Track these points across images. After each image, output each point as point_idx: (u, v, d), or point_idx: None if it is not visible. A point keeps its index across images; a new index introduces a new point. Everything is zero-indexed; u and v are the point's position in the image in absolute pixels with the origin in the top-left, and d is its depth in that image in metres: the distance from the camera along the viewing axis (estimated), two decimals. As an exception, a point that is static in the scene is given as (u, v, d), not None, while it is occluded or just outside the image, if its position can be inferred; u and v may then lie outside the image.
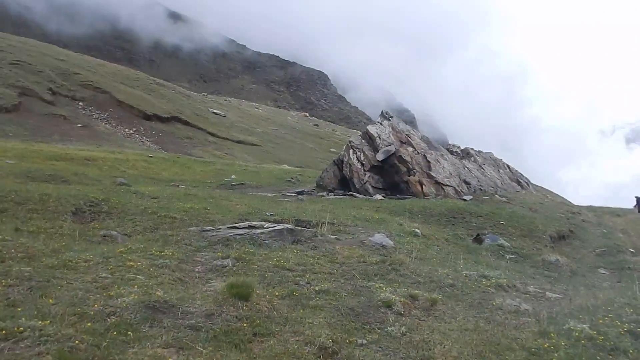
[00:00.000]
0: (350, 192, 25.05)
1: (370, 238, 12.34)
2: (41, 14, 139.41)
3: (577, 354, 6.10)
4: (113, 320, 5.41)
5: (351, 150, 26.80)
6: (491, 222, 20.08)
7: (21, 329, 4.74)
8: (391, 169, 25.90)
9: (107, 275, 6.99)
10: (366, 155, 26.34)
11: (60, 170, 22.30)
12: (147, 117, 53.69)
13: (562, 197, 46.99)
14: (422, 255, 11.69)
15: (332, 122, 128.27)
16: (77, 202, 13.23)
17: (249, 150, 57.01)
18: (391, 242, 12.42)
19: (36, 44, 66.69)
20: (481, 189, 27.58)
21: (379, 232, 13.53)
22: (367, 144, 27.14)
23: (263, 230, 10.74)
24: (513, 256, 15.66)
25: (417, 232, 15.62)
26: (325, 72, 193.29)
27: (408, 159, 25.83)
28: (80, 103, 50.56)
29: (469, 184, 27.30)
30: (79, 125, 44.91)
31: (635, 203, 31.91)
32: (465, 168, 29.43)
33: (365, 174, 25.67)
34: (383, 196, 24.25)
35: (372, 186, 25.27)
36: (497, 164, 35.27)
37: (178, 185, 23.64)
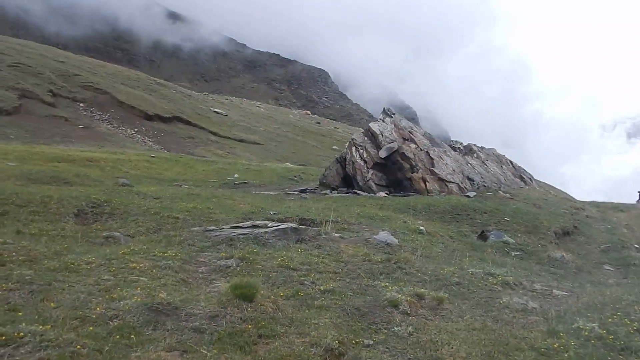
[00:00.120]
0: (354, 190, 24.93)
1: (374, 236, 12.24)
2: (40, 15, 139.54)
3: (587, 353, 5.99)
4: (115, 323, 5.31)
5: (354, 148, 26.67)
6: (495, 218, 19.94)
7: (21, 334, 4.64)
8: (394, 166, 25.77)
9: (110, 277, 6.89)
10: (369, 152, 26.21)
11: (61, 171, 22.22)
12: (149, 118, 53.64)
13: (565, 193, 46.78)
14: (427, 253, 11.58)
15: (333, 120, 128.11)
16: (79, 204, 13.15)
17: (251, 148, 56.92)
18: (396, 240, 12.32)
19: (35, 46, 66.66)
20: (485, 186, 27.44)
21: (383, 230, 13.42)
22: (369, 141, 27.00)
23: (267, 230, 10.64)
24: (518, 253, 15.54)
25: (421, 230, 15.50)
26: (325, 70, 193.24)
27: (411, 155, 25.69)
28: (81, 104, 50.51)
29: (473, 181, 27.16)
30: (81, 126, 44.86)
31: (638, 198, 31.73)
32: (469, 164, 29.29)
33: (369, 172, 25.55)
34: (386, 193, 24.12)
35: (376, 183, 25.14)
36: (500, 160, 35.14)
37: (181, 185, 23.55)
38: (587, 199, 34.21)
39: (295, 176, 32.38)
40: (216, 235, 10.33)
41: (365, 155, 26.12)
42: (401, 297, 7.42)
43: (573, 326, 6.88)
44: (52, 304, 5.68)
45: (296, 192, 23.78)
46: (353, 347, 5.72)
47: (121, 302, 5.83)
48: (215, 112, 69.11)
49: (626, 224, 24.62)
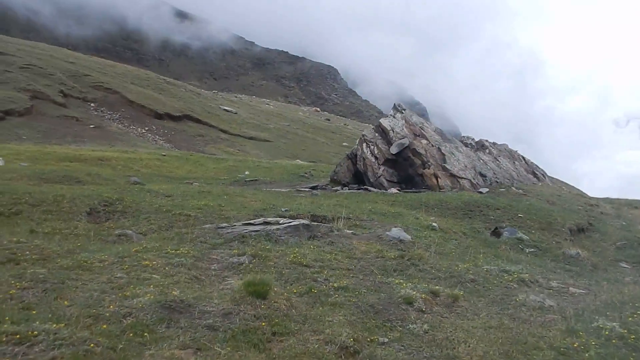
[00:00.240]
0: (365, 186, 24.81)
1: (387, 232, 12.13)
2: (49, 17, 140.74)
3: (608, 354, 5.83)
4: (129, 321, 5.28)
5: (364, 144, 26.54)
6: (509, 215, 19.72)
7: (35, 332, 4.62)
8: (405, 162, 25.61)
9: (123, 275, 6.87)
10: (380, 148, 26.07)
11: (73, 171, 22.34)
12: (159, 116, 53.87)
13: (578, 189, 46.26)
14: (440, 250, 11.46)
15: (343, 117, 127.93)
16: (91, 202, 13.19)
17: (261, 146, 56.96)
18: (409, 237, 12.20)
19: (45, 47, 67.19)
20: (497, 182, 27.18)
21: (395, 227, 13.31)
22: (380, 138, 26.85)
23: (279, 227, 10.58)
24: (532, 250, 15.35)
25: (434, 226, 15.37)
26: (334, 67, 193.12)
27: (422, 151, 25.51)
28: (92, 104, 50.84)
29: (485, 177, 26.91)
30: (92, 126, 45.15)
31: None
32: (481, 160, 29.01)
33: (380, 168, 25.41)
34: (398, 190, 23.99)
35: (387, 180, 25.00)
36: (512, 155, 34.76)
37: (192, 183, 23.59)
38: (601, 195, 33.84)
39: (305, 173, 32.32)
40: (228, 233, 10.29)
41: (376, 152, 25.99)
42: (416, 294, 7.32)
43: (593, 325, 6.73)
44: (65, 302, 5.66)
45: (307, 189, 23.73)
46: (368, 345, 5.64)
47: (134, 300, 5.80)
48: (224, 110, 69.23)
49: (642, 220, 24.25)
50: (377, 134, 27.25)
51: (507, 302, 7.94)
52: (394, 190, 23.89)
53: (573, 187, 48.94)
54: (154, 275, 6.96)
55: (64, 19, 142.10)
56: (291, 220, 11.27)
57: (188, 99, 66.72)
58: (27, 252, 7.93)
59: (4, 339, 4.52)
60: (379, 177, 25.13)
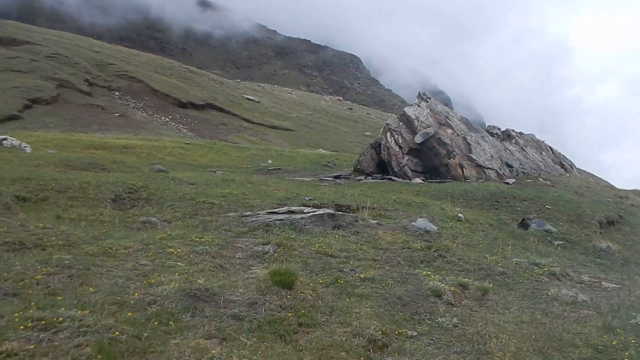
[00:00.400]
0: (389, 176, 24.53)
1: (412, 223, 11.90)
2: (74, 7, 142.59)
3: (650, 353, 5.56)
4: (154, 309, 5.20)
5: (389, 133, 26.22)
6: (536, 206, 19.28)
7: (60, 319, 4.57)
8: (430, 152, 25.22)
9: (147, 262, 6.82)
10: (404, 138, 25.71)
11: (99, 158, 22.58)
12: (182, 105, 54.21)
13: (606, 181, 45.12)
14: (467, 241, 11.19)
15: (365, 106, 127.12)
16: (116, 189, 13.26)
17: (283, 135, 56.93)
18: (435, 227, 11.96)
19: (71, 37, 68.09)
20: (524, 172, 26.61)
21: (421, 217, 13.06)
22: (404, 127, 26.48)
23: (303, 216, 10.44)
24: (561, 242, 14.96)
25: (460, 217, 15.07)
26: (357, 55, 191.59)
27: (447, 141, 25.08)
28: (117, 93, 51.40)
29: (511, 167, 26.36)
30: (116, 114, 45.66)
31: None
32: (507, 150, 28.43)
33: (404, 157, 25.08)
34: (422, 180, 23.65)
35: (411, 169, 24.67)
36: (539, 146, 34.00)
37: (215, 171, 23.64)
38: (629, 187, 32.92)
39: (328, 162, 32.16)
40: (252, 221, 10.19)
41: (400, 141, 25.65)
42: (444, 286, 7.11)
43: (630, 322, 6.44)
44: (90, 289, 5.62)
45: (330, 178, 23.56)
46: (396, 338, 5.47)
47: (159, 288, 5.73)
48: (247, 99, 69.32)
49: (674, 213, 23.49)
50: (401, 123, 26.88)
51: (539, 296, 7.68)
52: (418, 180, 23.57)
53: (600, 178, 47.74)
54: (179, 263, 6.90)
55: (89, 9, 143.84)
56: (316, 210, 11.13)
57: (211, 87, 66.98)
58: (54, 238, 7.96)
59: (30, 325, 4.49)
60: (403, 166, 24.82)
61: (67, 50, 55.82)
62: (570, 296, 7.76)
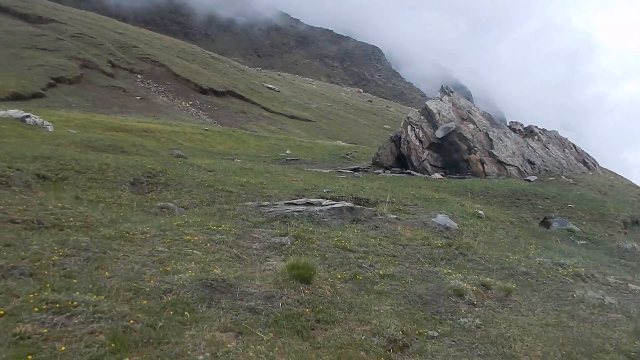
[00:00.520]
0: (408, 170, 24.25)
1: (432, 219, 11.66)
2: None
3: (684, 361, 5.30)
4: (169, 298, 5.08)
5: (409, 127, 25.87)
6: (558, 204, 18.88)
7: (75, 303, 4.48)
8: (451, 147, 24.84)
9: (164, 248, 6.72)
10: (425, 132, 25.35)
11: (119, 140, 22.67)
12: (203, 91, 54.26)
13: (629, 180, 44.10)
14: (488, 239, 10.93)
15: (385, 99, 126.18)
16: (135, 173, 13.24)
17: (302, 125, 56.73)
18: (455, 224, 11.70)
19: (96, 17, 68.49)
20: (546, 170, 26.09)
21: (441, 213, 12.82)
22: (425, 121, 26.10)
23: (322, 208, 10.27)
24: (584, 242, 14.60)
25: (480, 214, 14.78)
26: (379, 47, 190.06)
27: (469, 136, 24.66)
28: (139, 76, 51.60)
29: (533, 164, 25.87)
30: (138, 97, 45.86)
31: None
32: (529, 147, 27.90)
33: (424, 152, 24.75)
34: (442, 175, 23.34)
35: (431, 164, 24.34)
36: (562, 143, 33.32)
37: (233, 159, 23.59)
38: (654, 187, 32.04)
39: (346, 154, 31.91)
40: (270, 212, 10.05)
41: (421, 135, 25.30)
42: (466, 286, 6.89)
43: (662, 328, 6.18)
44: (106, 273, 5.53)
45: (348, 171, 23.36)
46: (417, 339, 5.28)
47: (175, 276, 5.61)
48: (267, 87, 69.18)
49: (701, 215, 22.83)
50: (422, 117, 26.51)
51: (564, 297, 7.42)
52: (437, 175, 23.25)
53: (622, 177, 46.68)
54: (195, 251, 6.78)
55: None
56: (334, 202, 10.95)
57: (232, 75, 66.96)
58: (71, 219, 7.92)
59: (44, 307, 4.41)
60: (423, 161, 24.49)
61: (92, 31, 56.14)
62: (597, 299, 7.48)
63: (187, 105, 50.26)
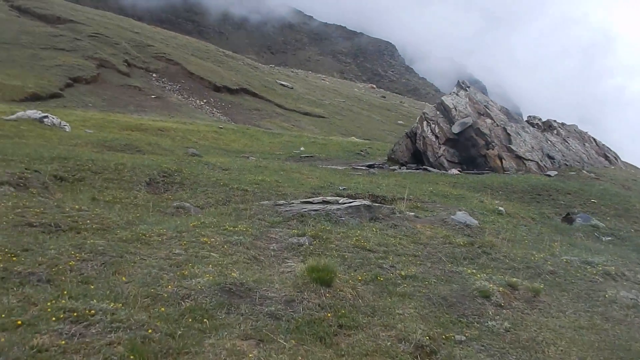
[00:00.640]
0: (424, 166, 23.93)
1: (452, 216, 11.41)
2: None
3: None
4: (187, 304, 4.94)
5: (425, 123, 25.53)
6: (581, 200, 18.45)
7: (92, 311, 4.36)
8: (467, 142, 24.45)
9: (181, 251, 6.59)
10: (441, 127, 24.99)
11: (135, 140, 22.71)
12: (217, 89, 54.34)
13: (651, 174, 43.16)
14: (511, 237, 10.63)
15: (399, 94, 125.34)
16: (151, 173, 13.19)
17: (315, 122, 56.54)
18: (475, 221, 11.44)
19: (113, 17, 69.02)
20: (566, 164, 25.56)
21: (460, 210, 12.55)
22: (442, 116, 25.73)
23: (339, 207, 10.08)
24: (610, 238, 14.20)
25: (500, 210, 14.47)
26: (392, 43, 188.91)
27: (486, 131, 24.25)
28: (154, 75, 51.84)
29: (553, 159, 25.36)
30: (153, 96, 46.06)
31: None
32: (548, 141, 27.37)
33: (440, 147, 24.40)
34: (459, 171, 22.98)
35: (447, 160, 23.99)
36: (582, 137, 32.64)
37: (248, 157, 23.50)
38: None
39: (361, 151, 31.66)
40: (286, 211, 9.89)
41: (437, 130, 24.95)
42: (492, 286, 6.65)
43: None
44: (123, 278, 5.42)
45: (363, 167, 23.13)
46: (444, 344, 5.07)
47: (193, 281, 5.47)
48: (281, 84, 69.07)
49: None
50: (438, 112, 26.14)
51: (595, 298, 7.15)
52: (454, 171, 22.91)
53: (643, 171, 45.65)
54: (213, 254, 6.65)
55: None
56: (352, 201, 10.75)
57: (246, 72, 66.98)
58: (88, 221, 7.85)
59: (62, 316, 4.30)
60: (440, 157, 24.15)
61: (109, 30, 56.55)
62: (631, 299, 7.20)
63: (202, 103, 50.37)
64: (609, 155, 32.45)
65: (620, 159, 34.63)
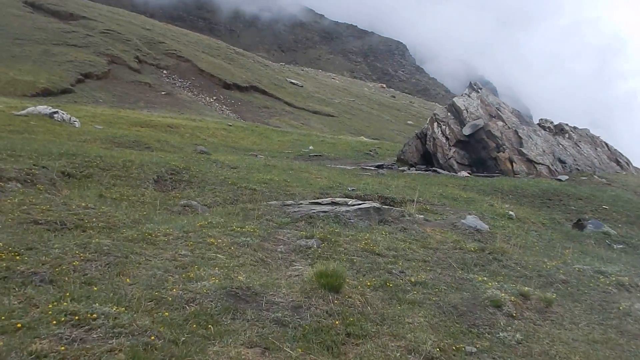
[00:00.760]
0: (434, 168, 23.73)
1: (462, 220, 11.23)
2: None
3: None
4: (192, 308, 4.82)
5: (435, 124, 25.32)
6: (592, 205, 18.17)
7: (94, 315, 4.25)
8: (478, 145, 24.21)
9: (187, 252, 6.48)
10: (451, 129, 24.76)
11: (144, 136, 22.69)
12: (227, 86, 54.38)
13: (664, 180, 42.56)
14: (522, 243, 10.43)
15: (409, 94, 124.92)
16: (158, 170, 13.11)
17: (325, 121, 56.41)
18: (486, 226, 11.25)
19: (125, 14, 69.31)
20: (578, 169, 25.25)
21: (470, 214, 12.36)
22: (452, 117, 25.50)
23: (348, 208, 9.93)
24: (621, 246, 13.93)
25: (510, 215, 14.27)
26: (403, 42, 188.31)
27: (498, 134, 23.99)
28: (165, 71, 51.95)
29: (564, 163, 25.06)
30: (163, 93, 46.14)
31: None
32: (560, 145, 27.05)
33: (450, 149, 24.18)
34: (469, 173, 22.75)
35: (457, 162, 23.77)
36: (594, 141, 32.26)
37: (257, 155, 23.41)
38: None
39: (370, 150, 31.49)
40: (295, 211, 9.76)
41: (447, 132, 24.73)
42: (504, 295, 6.48)
43: None
44: (127, 280, 5.31)
45: (372, 167, 22.96)
46: (454, 355, 4.92)
47: (198, 284, 5.35)
48: (291, 82, 68.99)
49: None
50: (449, 114, 25.91)
51: (608, 310, 6.95)
52: (464, 173, 22.69)
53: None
54: (219, 255, 6.53)
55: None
56: (361, 202, 10.60)
57: (256, 70, 66.96)
58: (94, 219, 7.77)
59: (63, 319, 4.19)
60: (449, 158, 23.93)
61: (121, 27, 56.80)
62: (646, 311, 7.00)
63: (211, 100, 50.40)
64: (620, 160, 32.03)
65: (632, 164, 34.17)
